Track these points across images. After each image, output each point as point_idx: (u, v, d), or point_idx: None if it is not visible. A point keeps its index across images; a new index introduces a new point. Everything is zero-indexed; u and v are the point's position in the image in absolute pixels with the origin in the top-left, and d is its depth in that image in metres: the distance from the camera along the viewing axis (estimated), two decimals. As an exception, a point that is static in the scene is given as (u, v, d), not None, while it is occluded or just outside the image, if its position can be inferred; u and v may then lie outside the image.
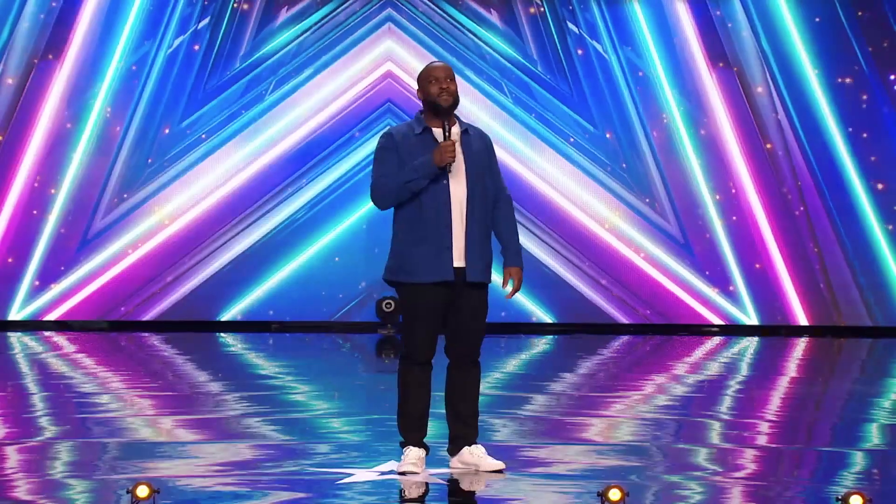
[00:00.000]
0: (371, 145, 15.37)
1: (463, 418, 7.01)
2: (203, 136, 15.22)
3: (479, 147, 6.91)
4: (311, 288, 15.29)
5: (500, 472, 6.94)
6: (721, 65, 15.15)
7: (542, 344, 14.52)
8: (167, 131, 15.20)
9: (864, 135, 15.01)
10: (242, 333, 14.93)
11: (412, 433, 6.98)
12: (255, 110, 15.28)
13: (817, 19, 15.06)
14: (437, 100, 6.87)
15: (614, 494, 5.85)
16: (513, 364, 12.96)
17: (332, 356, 13.80)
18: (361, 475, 6.85)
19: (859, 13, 15.03)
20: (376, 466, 7.04)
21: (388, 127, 7.12)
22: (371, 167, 7.09)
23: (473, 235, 6.83)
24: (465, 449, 6.98)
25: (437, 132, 6.87)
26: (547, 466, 7.36)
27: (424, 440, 7.01)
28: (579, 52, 15.19)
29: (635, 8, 15.22)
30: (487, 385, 11.17)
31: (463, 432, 7.01)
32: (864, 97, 15.03)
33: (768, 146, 15.15)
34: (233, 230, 15.26)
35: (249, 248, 15.26)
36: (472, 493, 6.65)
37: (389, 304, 15.04)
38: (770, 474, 7.28)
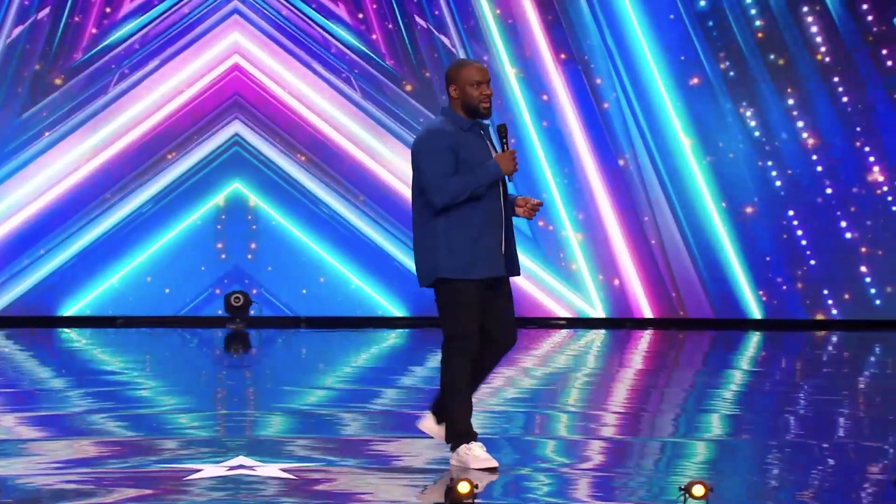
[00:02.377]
0: (218, 139, 15.22)
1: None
2: (44, 128, 14.93)
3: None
4: (157, 283, 15.10)
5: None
6: (567, 58, 15.27)
7: (392, 338, 14.55)
8: (7, 124, 14.88)
9: (700, 121, 15.26)
10: (87, 329, 14.69)
11: (467, 425, 6.92)
12: (99, 103, 15.03)
13: (672, 16, 15.28)
14: (478, 106, 6.90)
15: (463, 487, 5.88)
16: (363, 358, 12.96)
17: (180, 351, 13.66)
18: (210, 471, 6.79)
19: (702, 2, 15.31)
20: (225, 462, 6.98)
21: (427, 125, 7.11)
22: (426, 165, 7.00)
23: (510, 231, 7.03)
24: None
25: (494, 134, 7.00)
26: (397, 460, 7.37)
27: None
28: (427, 45, 15.22)
29: (482, 1, 15.29)
30: (337, 379, 11.15)
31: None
32: (705, 90, 15.29)
33: (612, 140, 15.33)
34: (76, 224, 15.00)
35: (93, 243, 15.01)
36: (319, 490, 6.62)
37: (238, 298, 14.93)
38: (616, 465, 7.38)
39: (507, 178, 6.97)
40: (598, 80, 15.30)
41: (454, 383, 6.97)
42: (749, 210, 15.31)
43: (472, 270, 6.90)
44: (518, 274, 7.06)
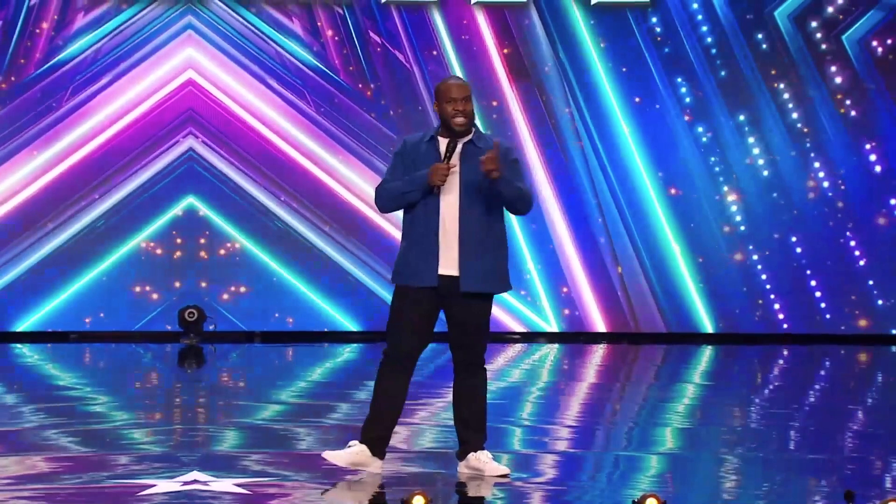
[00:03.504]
0: (172, 154, 15.20)
1: (468, 424, 7.06)
2: (-3, 143, 14.86)
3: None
4: (111, 298, 15.04)
5: (504, 476, 6.96)
6: (519, 73, 15.33)
7: (346, 352, 14.54)
8: (-41, 138, 14.80)
9: (652, 138, 15.35)
10: (39, 344, 14.61)
11: (365, 429, 7.04)
12: (52, 118, 14.96)
13: (604, 25, 15.38)
14: (451, 121, 6.95)
15: (418, 501, 5.90)
16: (318, 372, 12.96)
17: (134, 366, 13.60)
18: (163, 486, 6.78)
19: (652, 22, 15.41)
20: (179, 477, 6.97)
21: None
22: None
23: (470, 245, 6.88)
24: (471, 455, 7.01)
25: (443, 148, 6.95)
26: (351, 474, 7.37)
27: (379, 443, 7.02)
28: (382, 61, 15.24)
29: (436, 16, 15.34)
30: (291, 394, 11.15)
31: (468, 438, 7.07)
32: (657, 107, 15.39)
33: (565, 155, 15.40)
34: (29, 239, 14.92)
35: (46, 258, 14.94)
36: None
37: (192, 313, 14.89)
38: (569, 478, 7.42)
39: (434, 191, 6.92)
40: (551, 95, 15.37)
41: (374, 390, 7.09)
42: (700, 222, 15.42)
43: (398, 277, 7.03)
44: (474, 289, 6.95)
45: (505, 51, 15.36)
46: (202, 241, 15.18)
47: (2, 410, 9.84)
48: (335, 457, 7.06)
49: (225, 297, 15.21)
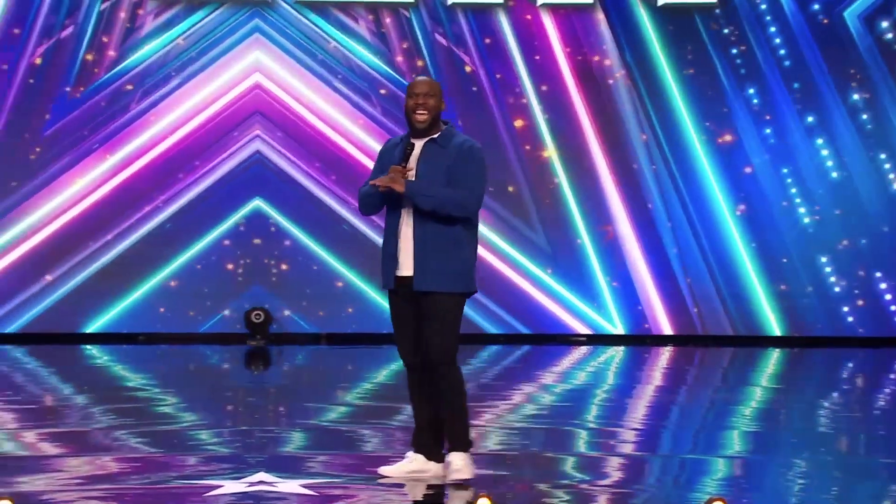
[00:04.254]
0: (240, 156, 15.29)
1: (445, 427, 7.03)
2: (67, 145, 15.00)
3: (444, 157, 6.87)
4: (179, 299, 15.16)
5: (463, 482, 6.93)
6: (585, 76, 15.32)
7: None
8: (30, 141, 14.96)
9: (727, 138, 15.27)
10: (109, 346, 14.75)
11: (414, 437, 7.11)
12: (121, 120, 15.11)
13: (671, 27, 15.31)
14: (411, 116, 6.93)
15: (483, 503, 5.89)
16: (383, 374, 12.98)
17: (202, 368, 13.70)
18: (230, 487, 6.82)
19: (713, 25, 15.32)
20: (245, 478, 7.01)
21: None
22: None
23: (424, 245, 6.85)
24: (448, 456, 6.98)
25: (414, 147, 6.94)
26: (418, 476, 7.38)
27: (429, 448, 7.04)
28: (447, 63, 15.26)
29: (502, 19, 15.35)
30: (357, 396, 11.18)
31: (443, 439, 7.06)
32: (725, 110, 15.32)
33: (632, 159, 15.36)
34: (98, 241, 15.07)
35: (115, 259, 15.08)
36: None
37: (259, 315, 14.98)
38: (635, 482, 7.39)
39: (391, 192, 6.88)
40: (618, 99, 15.33)
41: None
42: (768, 224, 15.34)
43: (381, 279, 7.01)
44: (425, 289, 6.85)
45: (571, 52, 15.33)
46: (269, 242, 15.25)
47: (72, 411, 9.94)
48: (391, 471, 7.07)
49: (291, 298, 15.28)
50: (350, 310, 15.29)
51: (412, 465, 7.07)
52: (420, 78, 7.01)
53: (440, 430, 7.08)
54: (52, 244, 14.98)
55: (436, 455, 7.09)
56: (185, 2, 15.17)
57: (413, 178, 6.89)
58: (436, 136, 6.96)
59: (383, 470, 7.12)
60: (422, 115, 6.92)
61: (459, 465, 6.95)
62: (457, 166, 6.90)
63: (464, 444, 7.01)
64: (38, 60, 14.95)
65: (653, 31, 15.34)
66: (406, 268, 6.91)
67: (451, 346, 6.93)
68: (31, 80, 14.95)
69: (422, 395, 7.07)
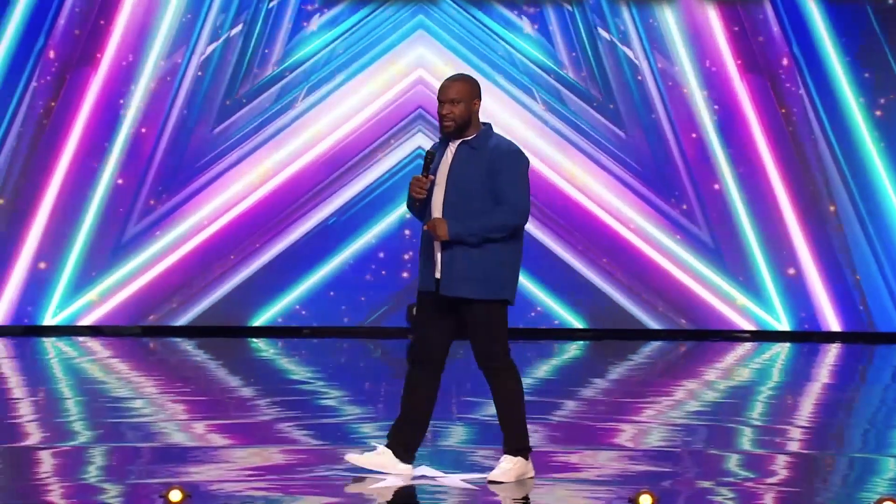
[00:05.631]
0: (402, 151, 15.40)
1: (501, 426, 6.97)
2: (235, 141, 15.27)
3: (475, 161, 6.76)
4: (341, 293, 15.31)
5: (500, 483, 6.83)
6: (752, 69, 15.11)
7: (572, 349, 14.53)
8: (199, 138, 15.25)
9: (892, 135, 14.98)
10: (274, 339, 14.97)
11: (391, 431, 7.00)
12: (287, 117, 15.32)
13: (841, 18, 15.02)
14: (441, 123, 6.85)
15: (645, 500, 5.86)
16: (544, 369, 12.98)
17: (364, 361, 13.84)
18: (393, 480, 6.88)
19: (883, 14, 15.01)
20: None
21: None
22: None
23: (451, 249, 6.76)
24: (504, 457, 6.93)
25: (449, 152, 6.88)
26: (578, 472, 7.37)
27: (402, 446, 6.93)
28: (611, 58, 15.18)
29: (666, 13, 15.21)
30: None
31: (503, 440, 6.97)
32: (892, 96, 14.99)
33: (799, 153, 15.11)
34: (264, 236, 15.30)
35: (281, 254, 15.29)
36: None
37: (420, 309, 15.05)
38: (802, 480, 7.28)
39: (415, 203, 6.86)
40: (785, 92, 15.09)
41: (402, 395, 7.06)
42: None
43: (420, 280, 6.96)
44: (451, 294, 6.78)
45: (736, 45, 15.13)
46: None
47: (239, 403, 10.13)
48: (358, 460, 6.95)
49: (454, 293, 15.31)
50: (513, 307, 15.27)
51: (381, 459, 6.94)
52: (447, 81, 6.86)
53: (421, 436, 6.95)
54: (219, 240, 15.25)
55: (406, 457, 6.94)
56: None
57: (435, 185, 6.81)
58: (469, 138, 6.82)
59: (350, 457, 6.97)
60: (448, 124, 6.79)
61: (505, 467, 6.82)
62: (494, 175, 6.75)
63: (514, 449, 6.86)
64: (207, 59, 15.24)
65: (822, 21, 15.06)
66: (438, 271, 6.84)
67: (491, 350, 6.84)
68: (200, 78, 15.23)
69: (419, 393, 6.93)
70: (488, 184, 6.76)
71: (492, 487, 6.78)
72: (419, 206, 6.90)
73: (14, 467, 7.41)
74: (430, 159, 6.82)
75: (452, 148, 6.86)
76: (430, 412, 6.98)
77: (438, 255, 6.81)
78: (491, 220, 6.73)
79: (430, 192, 6.83)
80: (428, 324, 6.92)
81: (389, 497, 6.61)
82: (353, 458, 7.00)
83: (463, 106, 6.77)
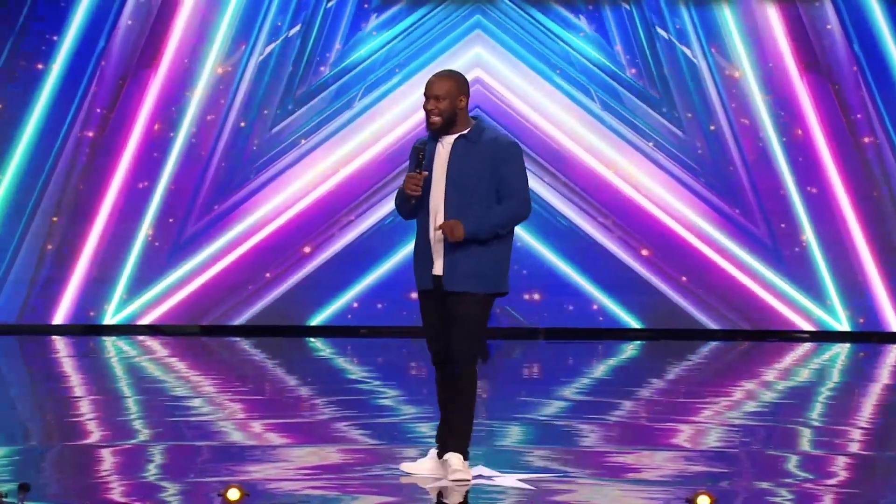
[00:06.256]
0: (459, 151, 15.40)
1: (447, 424, 6.91)
2: (293, 142, 15.34)
3: (473, 155, 6.75)
4: (399, 293, 15.35)
5: (463, 481, 6.81)
6: (812, 69, 15.02)
7: (629, 350, 14.49)
8: (257, 138, 15.34)
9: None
10: (331, 338, 15.02)
11: (438, 434, 7.00)
12: (345, 116, 15.38)
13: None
14: (426, 120, 6.83)
15: (703, 501, 5.84)
16: (600, 370, 12.95)
17: (421, 361, 13.86)
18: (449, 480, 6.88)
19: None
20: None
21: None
22: None
23: (452, 246, 6.73)
24: (446, 455, 6.88)
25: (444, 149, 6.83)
26: (635, 472, 7.35)
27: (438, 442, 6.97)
28: (669, 57, 15.12)
29: (725, 11, 15.14)
30: (574, 391, 11.16)
31: (446, 438, 6.91)
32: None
33: (860, 153, 15.00)
34: (321, 235, 15.37)
35: (338, 253, 15.35)
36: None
37: (477, 309, 15.05)
38: (862, 482, 7.23)
39: (411, 201, 6.76)
40: (846, 91, 14.98)
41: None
42: None
43: (416, 279, 6.90)
44: (454, 289, 6.74)
45: (796, 44, 15.03)
46: (489, 237, 15.30)
47: (297, 402, 10.17)
48: (414, 468, 6.97)
49: (510, 294, 15.30)
50: (570, 307, 15.27)
51: (432, 463, 6.94)
52: (432, 78, 6.84)
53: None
54: (277, 239, 15.32)
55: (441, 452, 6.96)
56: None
57: (431, 181, 6.75)
58: (465, 132, 6.80)
59: (405, 466, 7.01)
60: (434, 120, 6.77)
61: (459, 465, 6.79)
62: (496, 167, 6.74)
63: (464, 446, 6.85)
64: (265, 59, 15.31)
65: (884, 20, 14.93)
66: (438, 267, 6.80)
67: (474, 347, 6.83)
68: (259, 79, 15.31)
69: (448, 392, 6.91)
70: (488, 176, 6.75)
71: (542, 487, 6.77)
72: (413, 204, 6.82)
73: (75, 465, 7.48)
74: (422, 157, 6.79)
75: (445, 143, 6.82)
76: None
77: (441, 252, 6.76)
78: (504, 215, 6.76)
79: (425, 188, 6.78)
80: (432, 324, 6.92)
81: (446, 496, 6.61)
82: (409, 467, 7.04)
83: (447, 102, 6.77)
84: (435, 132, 6.82)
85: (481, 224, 6.72)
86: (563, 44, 15.24)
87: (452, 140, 6.80)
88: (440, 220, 6.74)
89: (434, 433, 7.03)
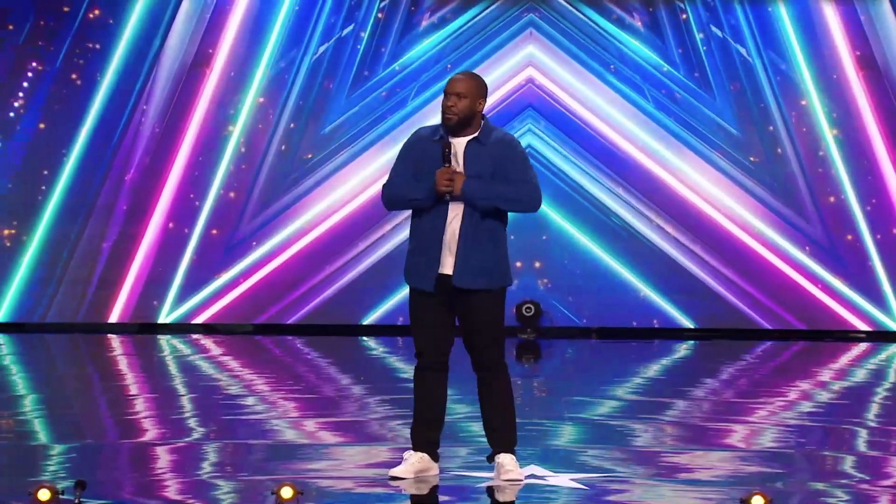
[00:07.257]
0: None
1: (491, 426, 6.94)
2: (345, 141, 15.37)
3: (483, 156, 6.78)
4: (452, 292, 15.33)
5: (517, 481, 6.80)
6: (869, 68, 14.90)
7: (682, 349, 14.43)
8: (310, 138, 15.38)
9: None
10: (383, 337, 15.05)
11: (413, 437, 7.00)
12: (397, 116, 15.40)
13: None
14: (443, 115, 6.83)
15: (758, 501, 5.81)
16: (654, 369, 12.91)
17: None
18: (499, 480, 6.88)
19: None
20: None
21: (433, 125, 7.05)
22: None
23: (467, 243, 6.76)
24: (498, 457, 6.89)
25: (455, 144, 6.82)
26: (689, 472, 7.33)
27: (432, 446, 6.95)
28: (723, 56, 15.05)
29: (780, 10, 15.05)
30: (627, 390, 11.13)
31: (495, 443, 6.92)
32: None
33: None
34: (374, 234, 15.39)
35: (391, 252, 15.37)
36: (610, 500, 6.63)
37: (529, 308, 15.05)
38: (917, 484, 7.16)
39: (446, 198, 6.74)
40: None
41: (414, 395, 7.05)
42: None
43: (407, 276, 6.92)
44: (464, 286, 6.75)
45: (853, 44, 14.92)
46: (542, 236, 15.30)
47: (350, 402, 10.19)
48: (401, 471, 6.90)
49: (562, 292, 15.31)
50: (620, 304, 15.22)
51: (420, 465, 6.91)
52: (457, 76, 6.86)
53: (440, 431, 6.98)
54: (330, 238, 15.36)
55: (435, 454, 6.97)
56: (460, -1, 15.38)
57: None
58: (477, 134, 6.81)
59: (395, 471, 6.93)
60: (450, 117, 6.77)
61: (511, 465, 6.80)
62: (505, 162, 6.79)
63: (513, 445, 6.88)
64: (319, 59, 15.36)
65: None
66: (447, 266, 6.78)
67: (503, 348, 6.88)
68: (313, 78, 15.36)
69: (437, 392, 6.92)
70: (499, 176, 6.80)
71: (595, 487, 6.76)
72: (420, 199, 6.84)
73: (131, 463, 7.53)
74: (449, 152, 6.81)
75: (458, 145, 6.83)
76: (444, 411, 7.02)
77: (454, 250, 6.76)
78: (512, 191, 6.81)
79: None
80: (429, 322, 6.90)
81: (496, 495, 6.62)
82: (398, 471, 6.95)
83: (467, 102, 6.79)
84: (449, 128, 6.83)
85: (487, 189, 6.75)
86: (617, 42, 15.20)
87: (465, 142, 6.84)
88: (456, 224, 6.78)
89: (434, 433, 6.98)
